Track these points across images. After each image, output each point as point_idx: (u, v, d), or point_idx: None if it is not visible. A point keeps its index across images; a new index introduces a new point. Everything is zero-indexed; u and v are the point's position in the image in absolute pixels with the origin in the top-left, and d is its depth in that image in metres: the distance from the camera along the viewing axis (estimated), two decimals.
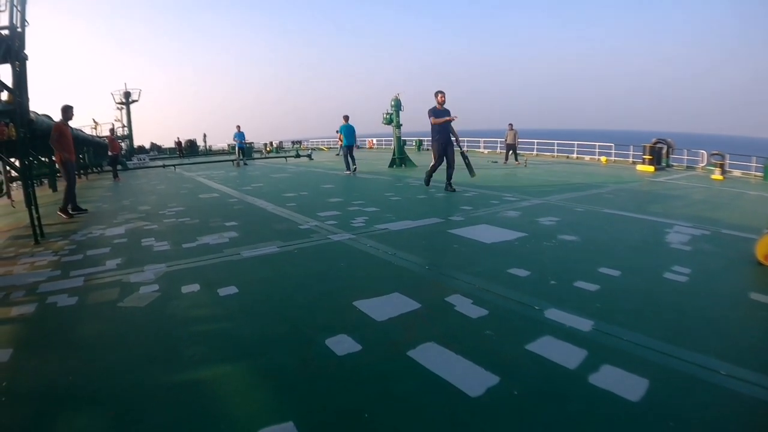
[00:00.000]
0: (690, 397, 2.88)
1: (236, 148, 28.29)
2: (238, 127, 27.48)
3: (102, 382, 3.19)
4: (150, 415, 2.78)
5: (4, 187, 15.48)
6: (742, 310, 4.36)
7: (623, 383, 2.97)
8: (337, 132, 22.44)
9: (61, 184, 12.42)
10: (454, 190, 12.25)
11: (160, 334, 3.92)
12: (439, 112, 12.52)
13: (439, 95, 12.59)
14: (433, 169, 13.07)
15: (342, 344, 3.57)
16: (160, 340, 3.80)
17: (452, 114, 12.54)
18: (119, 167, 21.71)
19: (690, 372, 3.15)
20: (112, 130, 25.81)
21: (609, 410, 2.72)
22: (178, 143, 48.60)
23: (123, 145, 40.88)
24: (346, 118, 20.37)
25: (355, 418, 2.70)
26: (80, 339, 3.92)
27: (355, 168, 19.30)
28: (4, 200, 13.99)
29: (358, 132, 20.61)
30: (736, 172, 21.25)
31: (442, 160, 12.74)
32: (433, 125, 12.53)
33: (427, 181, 13.37)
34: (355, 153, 20.42)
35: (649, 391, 2.89)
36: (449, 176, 12.54)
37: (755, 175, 20.25)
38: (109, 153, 22.07)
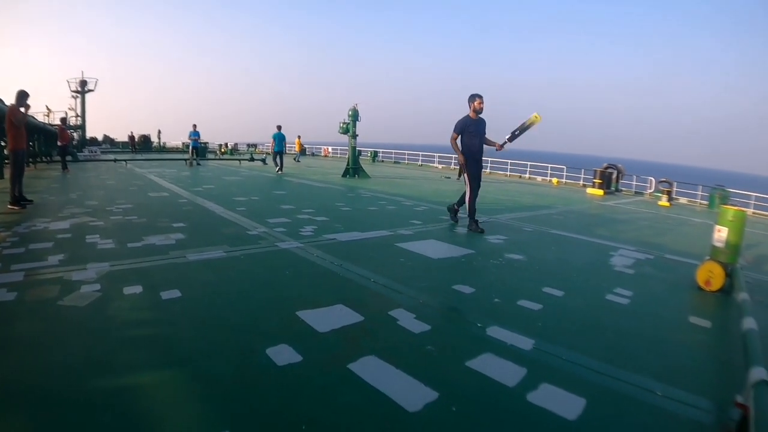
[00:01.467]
0: (626, 416, 2.94)
1: (189, 147, 27.87)
2: (194, 126, 27.04)
3: (36, 384, 3.05)
4: (84, 419, 2.68)
5: None
6: (680, 332, 4.50)
7: (561, 402, 3.01)
8: (272, 139, 24.25)
9: (7, 171, 11.98)
10: (482, 231, 8.85)
11: (98, 336, 3.79)
12: (469, 122, 9.06)
13: (476, 100, 8.99)
14: (472, 197, 9.23)
15: (282, 354, 3.51)
16: (98, 343, 3.67)
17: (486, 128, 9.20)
18: (69, 158, 21.04)
19: (627, 392, 3.22)
20: (63, 119, 25.01)
21: (546, 428, 2.75)
22: (132, 138, 47.53)
23: (75, 135, 39.84)
24: (279, 127, 23.87)
25: (293, 430, 2.65)
26: (16, 337, 3.76)
27: (280, 170, 22.55)
28: None
29: (314, 139, 21.70)
30: (683, 200, 21.93)
31: (479, 183, 9.32)
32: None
33: (455, 214, 9.95)
34: (310, 160, 21.20)
35: (586, 409, 2.94)
36: (470, 212, 9.22)
37: (701, 203, 20.99)
38: (59, 143, 21.34)
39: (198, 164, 26.23)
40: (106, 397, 2.91)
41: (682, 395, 3.21)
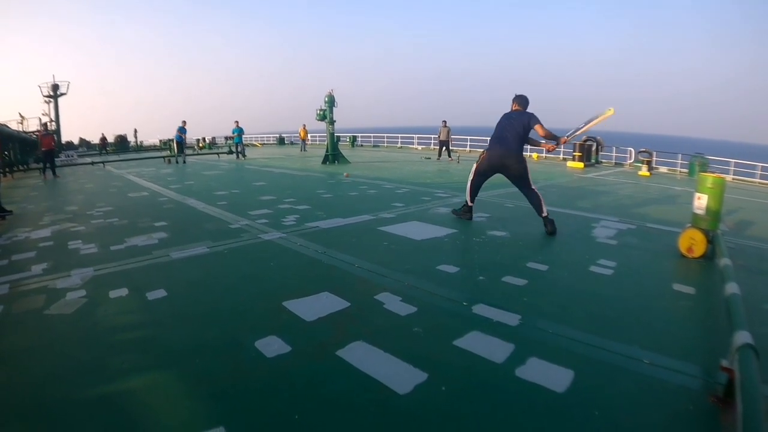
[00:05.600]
0: (614, 386, 2.99)
1: (174, 142, 27.16)
2: (184, 122, 26.36)
3: (29, 395, 3.04)
4: (79, 426, 2.68)
5: None
6: (665, 300, 4.55)
7: (549, 375, 3.05)
8: (232, 133, 27.96)
9: None
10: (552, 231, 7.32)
11: (88, 343, 3.77)
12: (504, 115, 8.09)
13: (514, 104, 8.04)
14: (473, 184, 8.28)
15: (271, 346, 3.52)
16: (88, 349, 3.66)
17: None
18: (44, 165, 20.56)
19: (614, 362, 3.27)
20: (45, 125, 24.37)
21: (536, 402, 2.79)
22: (103, 139, 46.55)
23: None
24: (237, 122, 27.58)
25: (286, 419, 2.67)
26: (6, 351, 3.72)
27: (239, 156, 26.83)
28: None
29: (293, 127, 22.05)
30: (663, 169, 22.06)
31: (484, 178, 8.28)
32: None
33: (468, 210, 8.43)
34: (289, 149, 21.34)
35: (574, 381, 2.98)
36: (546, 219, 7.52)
37: (681, 172, 21.11)
38: (43, 149, 20.75)
39: (184, 162, 25.70)
40: (99, 403, 2.91)
41: (668, 362, 3.26)
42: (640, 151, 21.16)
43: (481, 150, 31.67)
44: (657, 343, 3.55)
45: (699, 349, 3.58)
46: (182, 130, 25.97)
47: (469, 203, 8.30)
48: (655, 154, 21.21)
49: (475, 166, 8.24)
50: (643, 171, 19.10)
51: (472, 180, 8.21)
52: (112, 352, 3.59)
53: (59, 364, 3.45)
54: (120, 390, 3.06)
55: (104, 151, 43.03)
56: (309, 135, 37.81)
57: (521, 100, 7.94)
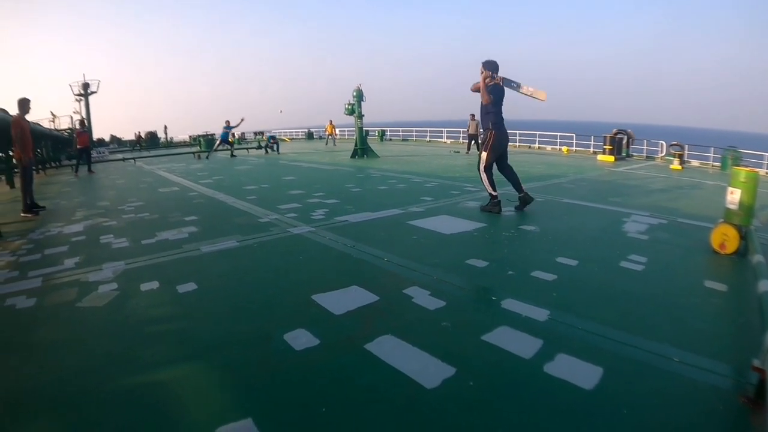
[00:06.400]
0: (643, 384, 2.93)
1: (220, 140, 27.93)
2: (228, 122, 27.04)
3: (62, 385, 3.11)
4: (110, 417, 2.73)
5: None
6: (696, 297, 4.45)
7: (578, 372, 3.02)
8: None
9: (18, 180, 12.09)
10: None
11: (119, 335, 3.84)
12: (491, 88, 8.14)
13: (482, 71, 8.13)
14: (490, 173, 8.35)
15: (300, 339, 3.55)
16: (119, 341, 3.73)
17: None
18: (77, 162, 20.86)
19: (644, 359, 3.21)
20: (82, 122, 24.75)
21: (564, 399, 2.76)
22: (138, 136, 47.33)
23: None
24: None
25: (313, 412, 2.69)
26: (39, 342, 3.82)
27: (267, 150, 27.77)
28: None
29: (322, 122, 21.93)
30: (695, 162, 21.68)
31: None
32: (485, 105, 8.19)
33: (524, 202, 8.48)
34: (317, 143, 21.51)
35: (603, 378, 2.94)
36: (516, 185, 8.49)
37: (713, 165, 20.70)
38: (79, 146, 21.10)
39: (233, 156, 26.34)
40: (130, 394, 2.97)
41: (698, 360, 3.19)
42: (672, 145, 20.82)
43: (512, 143, 31.52)
44: (687, 341, 3.48)
45: (730, 348, 3.51)
46: (227, 128, 26.60)
47: (494, 193, 8.20)
48: (687, 147, 20.85)
49: (485, 154, 8.23)
50: (675, 165, 18.78)
51: (486, 169, 8.25)
52: (142, 344, 3.66)
53: (91, 355, 3.53)
54: (150, 381, 3.11)
55: (140, 147, 43.67)
56: (337, 130, 38.04)
57: (497, 68, 8.08)
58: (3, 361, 3.56)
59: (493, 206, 8.19)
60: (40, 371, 3.33)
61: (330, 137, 35.85)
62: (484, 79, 8.08)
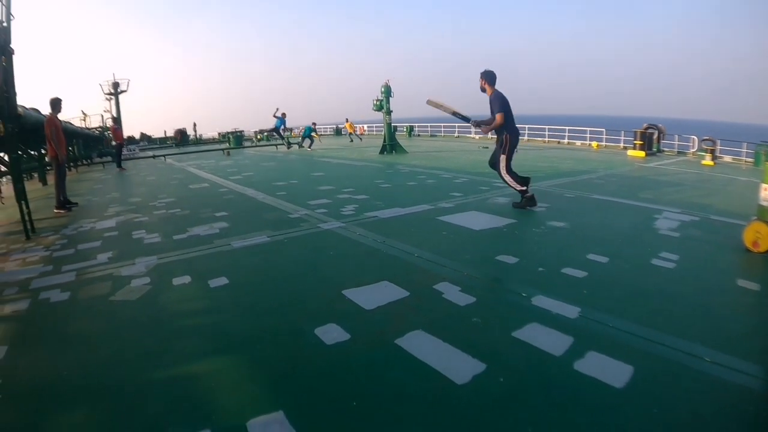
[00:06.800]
0: (674, 383, 2.91)
1: (277, 132, 28.59)
2: (283, 114, 27.58)
3: (95, 377, 3.21)
4: (142, 408, 2.81)
5: None
6: (728, 296, 4.39)
7: (608, 370, 3.00)
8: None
9: (51, 177, 12.37)
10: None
11: (151, 328, 3.93)
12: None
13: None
14: (512, 172, 8.41)
15: (331, 333, 3.59)
16: (151, 334, 3.82)
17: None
18: (107, 158, 21.27)
19: (675, 358, 3.18)
20: (116, 120, 25.20)
21: (593, 397, 2.75)
22: (178, 131, 48.23)
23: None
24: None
25: (344, 406, 2.73)
26: (74, 334, 3.93)
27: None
28: None
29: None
30: (727, 158, 21.29)
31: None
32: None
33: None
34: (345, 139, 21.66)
35: (633, 377, 2.92)
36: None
37: (746, 161, 20.28)
38: (113, 143, 21.71)
39: (304, 147, 27.07)
40: (162, 385, 3.05)
41: (730, 361, 3.14)
42: (704, 140, 20.47)
43: (542, 138, 31.20)
44: (719, 341, 3.42)
45: (762, 349, 3.46)
46: (280, 121, 27.06)
47: (523, 188, 8.19)
48: (719, 142, 20.47)
49: (504, 157, 8.22)
50: (707, 160, 18.49)
51: (507, 169, 8.23)
52: (175, 337, 3.74)
53: (124, 347, 3.62)
54: (182, 373, 3.19)
55: (180, 144, 44.29)
56: (365, 126, 38.27)
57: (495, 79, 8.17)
58: (39, 352, 3.67)
59: (527, 201, 8.18)
60: (75, 362, 3.43)
61: (351, 135, 36.21)
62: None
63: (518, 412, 2.63)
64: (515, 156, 8.18)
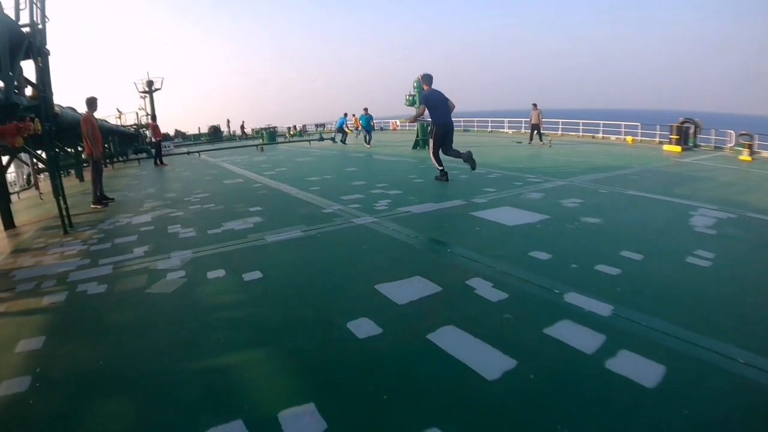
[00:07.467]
0: (706, 384, 2.87)
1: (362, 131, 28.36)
2: (366, 110, 27.08)
3: (131, 366, 3.31)
4: (177, 397, 2.89)
5: (32, 179, 15.80)
6: (764, 296, 4.29)
7: (640, 369, 2.98)
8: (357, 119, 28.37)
9: (88, 174, 12.66)
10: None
11: (186, 319, 4.03)
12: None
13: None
14: (436, 153, 11.35)
15: (363, 327, 3.64)
16: (186, 325, 3.91)
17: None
18: (143, 155, 21.79)
19: (707, 359, 3.13)
20: (154, 116, 25.68)
21: (624, 396, 2.74)
22: (242, 128, 49.83)
23: (148, 132, 41.03)
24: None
25: (375, 399, 2.77)
26: (110, 325, 4.05)
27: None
28: (33, 192, 14.26)
29: (383, 114, 22.52)
30: (765, 153, 20.83)
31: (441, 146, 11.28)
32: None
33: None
34: (379, 135, 22.11)
35: (665, 377, 2.89)
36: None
37: None
38: (153, 140, 22.38)
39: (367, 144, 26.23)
40: (196, 376, 3.14)
41: (765, 363, 3.07)
42: (741, 134, 20.01)
43: (575, 133, 30.84)
44: (754, 342, 3.35)
45: None
46: (363, 119, 27.08)
47: (440, 167, 11.13)
48: (757, 137, 20.00)
49: (432, 141, 11.20)
50: (744, 155, 18.07)
51: (433, 151, 11.20)
52: (210, 329, 3.83)
53: (159, 338, 3.72)
54: (216, 365, 3.27)
55: (245, 138, 45.23)
56: (397, 121, 38.12)
57: (432, 80, 11.18)
58: (76, 342, 3.80)
59: (442, 177, 11.03)
60: (111, 352, 3.55)
61: (357, 130, 35.25)
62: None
63: (548, 409, 2.64)
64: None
